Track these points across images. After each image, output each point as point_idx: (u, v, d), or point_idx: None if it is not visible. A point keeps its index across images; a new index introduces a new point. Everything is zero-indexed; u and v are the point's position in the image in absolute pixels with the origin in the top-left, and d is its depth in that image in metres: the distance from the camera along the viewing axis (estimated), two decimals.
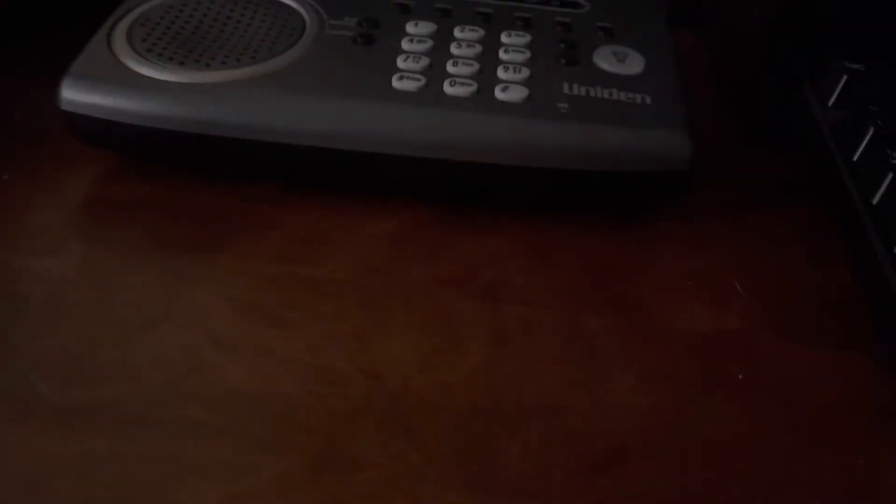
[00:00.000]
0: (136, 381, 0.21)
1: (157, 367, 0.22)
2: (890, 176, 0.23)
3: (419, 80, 0.26)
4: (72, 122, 0.26)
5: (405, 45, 0.28)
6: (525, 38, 0.29)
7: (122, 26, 0.28)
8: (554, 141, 0.25)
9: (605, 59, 0.28)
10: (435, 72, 0.27)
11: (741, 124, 0.32)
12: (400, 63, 0.27)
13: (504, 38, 0.29)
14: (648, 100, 0.27)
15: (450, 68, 0.27)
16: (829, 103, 0.27)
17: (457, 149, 0.25)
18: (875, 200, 0.23)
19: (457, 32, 0.29)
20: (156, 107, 0.25)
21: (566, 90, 0.27)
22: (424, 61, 0.27)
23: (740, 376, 0.23)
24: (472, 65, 0.27)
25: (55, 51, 0.27)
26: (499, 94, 0.26)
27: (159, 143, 0.26)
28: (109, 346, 0.22)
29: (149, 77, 0.26)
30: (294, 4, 0.30)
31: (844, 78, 0.27)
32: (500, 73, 0.27)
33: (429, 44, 0.28)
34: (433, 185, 0.27)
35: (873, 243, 0.23)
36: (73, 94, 0.26)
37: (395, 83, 0.26)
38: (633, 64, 0.28)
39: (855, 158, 0.25)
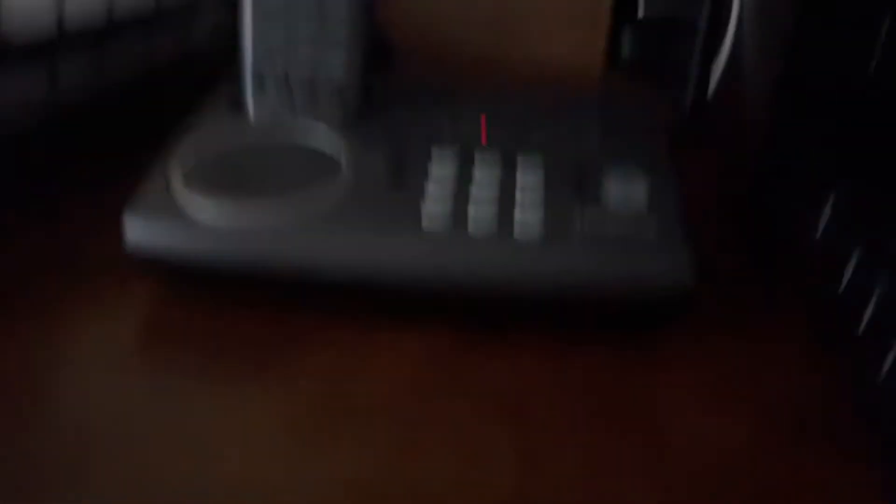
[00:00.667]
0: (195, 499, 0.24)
1: (212, 486, 0.24)
2: (871, 309, 0.26)
3: (445, 222, 0.29)
4: (133, 257, 0.29)
5: (431, 188, 0.31)
6: (539, 173, 0.32)
7: (176, 160, 0.31)
8: (568, 280, 0.28)
9: (614, 189, 0.31)
10: (459, 212, 0.30)
11: (744, 241, 0.35)
12: (427, 206, 0.30)
13: (520, 175, 0.32)
14: (653, 234, 0.29)
15: (472, 210, 0.30)
16: (819, 229, 0.30)
17: (480, 285, 0.29)
18: (860, 330, 0.26)
19: (476, 171, 0.32)
20: (208, 250, 0.29)
21: (578, 227, 0.29)
22: (449, 205, 0.30)
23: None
24: (491, 205, 0.30)
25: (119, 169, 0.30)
26: (517, 233, 0.29)
27: (211, 278, 0.29)
28: (170, 468, 0.25)
29: (202, 221, 0.29)
30: (327, 147, 0.33)
31: (830, 205, 0.30)
32: (518, 213, 0.30)
33: (451, 187, 0.31)
34: (460, 310, 0.30)
35: (864, 373, 0.25)
36: (135, 235, 0.29)
37: (423, 224, 0.29)
38: (639, 194, 0.31)
39: (840, 290, 0.28)
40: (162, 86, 0.42)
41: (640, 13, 0.43)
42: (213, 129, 0.33)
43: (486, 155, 0.33)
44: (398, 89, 0.37)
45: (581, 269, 0.28)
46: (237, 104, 0.35)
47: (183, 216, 0.29)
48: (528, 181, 0.31)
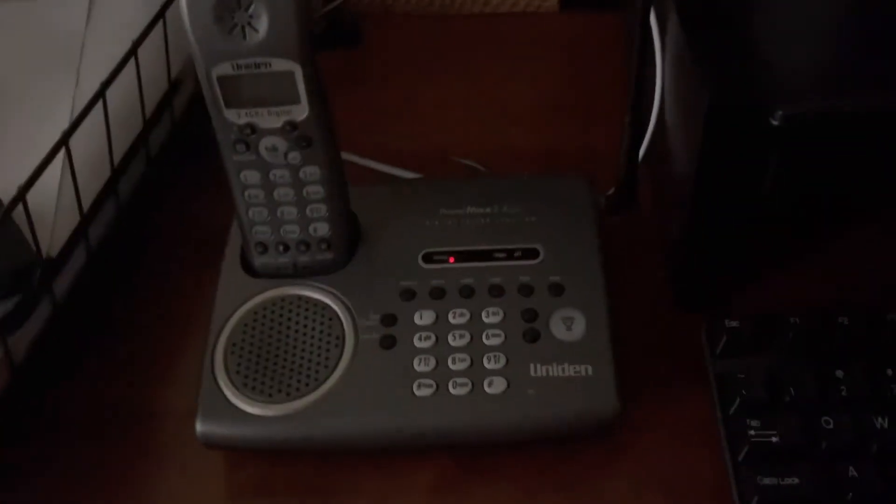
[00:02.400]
0: None
1: None
2: (746, 448, 0.36)
3: (432, 386, 0.38)
4: (205, 442, 0.39)
5: (417, 342, 0.39)
6: (499, 316, 0.40)
7: (220, 356, 0.40)
8: (525, 424, 0.38)
9: (557, 329, 0.40)
10: (442, 372, 0.39)
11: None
12: (416, 365, 0.39)
13: (485, 318, 0.40)
14: (590, 370, 0.39)
15: (451, 365, 0.39)
16: (717, 352, 0.39)
17: (465, 435, 0.39)
18: (740, 458, 0.36)
19: (451, 318, 0.40)
20: (259, 436, 0.38)
21: (532, 372, 0.39)
22: (432, 362, 0.39)
23: None
24: (465, 360, 0.39)
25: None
26: (487, 388, 0.38)
27: (265, 452, 0.39)
28: None
29: (251, 414, 0.38)
30: (331, 303, 0.41)
31: (725, 336, 0.39)
32: (486, 363, 0.39)
33: (433, 340, 0.39)
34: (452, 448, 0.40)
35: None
36: (203, 428, 0.38)
37: (416, 391, 0.38)
38: (578, 328, 0.40)
39: (731, 412, 0.37)
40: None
41: None
42: (240, 315, 0.41)
43: (455, 285, 0.41)
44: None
45: (537, 418, 0.38)
46: (246, 263, 0.43)
47: (236, 412, 0.38)
48: (492, 321, 0.40)
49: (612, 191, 0.44)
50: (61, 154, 0.40)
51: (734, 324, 0.39)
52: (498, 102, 0.57)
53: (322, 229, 0.41)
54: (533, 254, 0.42)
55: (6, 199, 0.38)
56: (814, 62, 0.37)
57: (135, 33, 0.44)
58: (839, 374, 0.38)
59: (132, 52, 0.43)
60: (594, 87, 0.57)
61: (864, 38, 0.38)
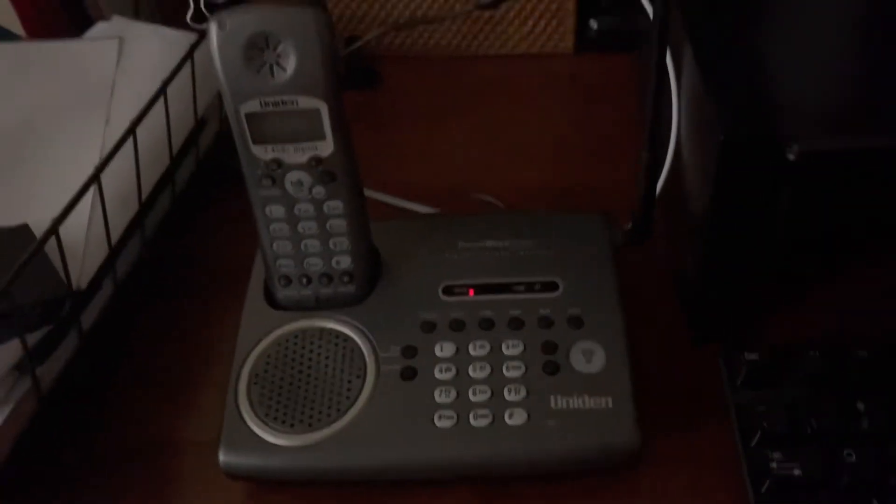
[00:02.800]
0: None
1: None
2: (768, 481, 0.36)
3: (452, 417, 0.39)
4: (227, 473, 0.39)
5: (437, 374, 0.40)
6: (519, 348, 0.40)
7: (243, 386, 0.40)
8: (546, 456, 0.38)
9: (577, 361, 0.40)
10: (462, 403, 0.39)
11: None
12: (437, 397, 0.39)
13: (505, 350, 0.40)
14: (609, 402, 0.39)
15: (472, 396, 0.39)
16: (736, 384, 0.39)
17: (486, 467, 0.39)
18: (762, 491, 0.36)
19: (471, 350, 0.40)
20: (281, 467, 0.38)
21: (552, 404, 0.39)
22: (453, 394, 0.39)
23: None
24: (486, 391, 0.39)
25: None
26: (508, 419, 0.38)
27: (287, 483, 0.40)
28: None
29: (273, 444, 0.38)
30: (353, 335, 0.41)
31: (744, 368, 0.39)
32: (507, 395, 0.39)
33: (453, 371, 0.40)
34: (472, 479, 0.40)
35: None
36: (226, 458, 0.39)
37: (437, 422, 0.39)
38: (597, 360, 0.40)
39: (752, 445, 0.38)
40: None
41: None
42: (263, 347, 0.41)
43: (475, 318, 0.41)
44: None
45: (557, 451, 0.38)
46: (269, 296, 0.43)
47: (259, 442, 0.39)
48: (512, 353, 0.40)
49: (628, 226, 0.45)
50: (91, 188, 0.41)
51: (753, 356, 0.39)
52: (514, 142, 0.58)
53: (344, 262, 0.42)
54: (552, 287, 0.43)
55: (37, 232, 0.39)
56: (829, 98, 0.38)
57: (162, 74, 0.46)
58: (860, 406, 0.38)
59: (161, 90, 0.45)
60: (608, 126, 0.58)
61: (878, 75, 0.39)
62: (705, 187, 0.39)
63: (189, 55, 0.48)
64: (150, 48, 0.52)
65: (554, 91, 0.62)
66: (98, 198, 0.41)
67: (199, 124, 0.51)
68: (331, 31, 0.36)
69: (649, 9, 0.43)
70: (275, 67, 0.36)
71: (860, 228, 0.42)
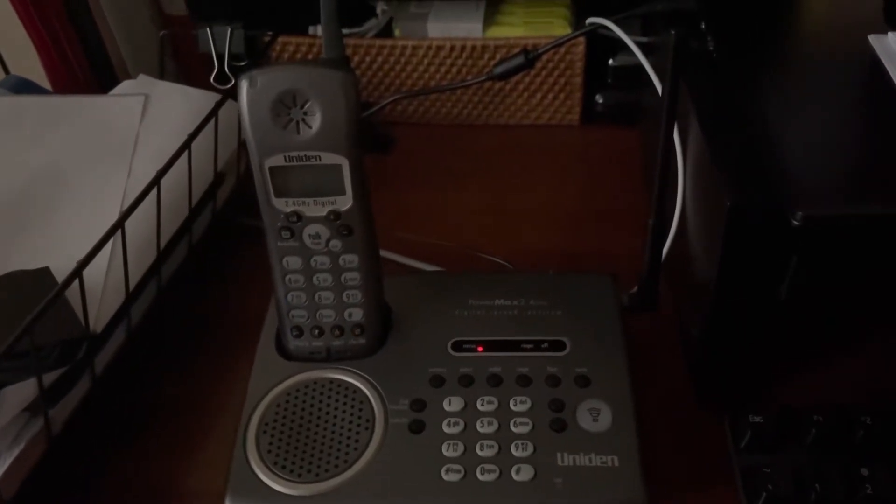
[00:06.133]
0: None
1: None
2: None
3: (460, 471, 0.39)
4: None
5: (445, 428, 0.40)
6: (527, 405, 0.41)
7: (251, 434, 0.40)
8: None
9: (584, 419, 0.40)
10: (469, 458, 0.39)
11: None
12: (444, 451, 0.39)
13: (512, 406, 0.41)
14: (616, 461, 0.39)
15: (479, 451, 0.39)
16: (741, 446, 0.40)
17: None
18: None
19: (479, 405, 0.41)
20: None
21: (559, 461, 0.39)
22: (461, 448, 0.40)
23: None
24: (493, 446, 0.40)
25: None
26: (514, 475, 0.39)
27: None
28: None
29: (280, 493, 0.39)
30: (362, 387, 0.42)
31: (749, 431, 0.39)
32: (514, 451, 0.39)
33: (461, 426, 0.40)
34: None
35: None
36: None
37: (444, 475, 0.39)
38: (604, 419, 0.40)
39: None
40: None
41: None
42: (273, 396, 0.42)
43: (483, 374, 0.42)
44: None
45: (562, 502, 0.38)
46: (281, 347, 0.44)
47: (266, 491, 0.39)
48: (520, 409, 0.40)
49: (634, 289, 0.46)
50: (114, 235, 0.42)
51: (758, 419, 0.40)
52: (522, 207, 0.59)
53: (357, 315, 0.43)
54: (560, 346, 0.43)
55: (58, 276, 0.40)
56: (833, 165, 0.40)
57: (184, 131, 0.48)
58: (864, 472, 0.38)
59: (186, 144, 0.46)
60: (613, 194, 0.60)
61: (881, 142, 0.40)
62: (712, 253, 0.41)
63: (214, 112, 0.50)
64: (174, 106, 0.54)
65: (561, 159, 0.64)
66: (119, 244, 0.42)
67: (218, 179, 0.52)
68: (356, 92, 0.38)
69: (658, 83, 0.45)
70: (301, 124, 0.38)
71: (865, 294, 0.43)
